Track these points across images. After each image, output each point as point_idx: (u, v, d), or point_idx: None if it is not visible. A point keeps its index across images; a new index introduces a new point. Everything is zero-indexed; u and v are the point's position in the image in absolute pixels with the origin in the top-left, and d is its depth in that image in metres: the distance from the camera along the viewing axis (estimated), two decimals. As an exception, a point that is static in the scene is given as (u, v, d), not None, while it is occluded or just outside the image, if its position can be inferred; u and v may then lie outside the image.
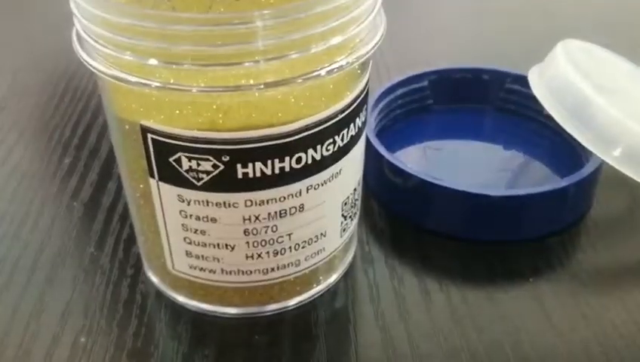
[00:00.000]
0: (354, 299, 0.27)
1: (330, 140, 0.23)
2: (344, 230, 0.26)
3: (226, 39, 0.19)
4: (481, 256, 0.29)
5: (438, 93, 0.36)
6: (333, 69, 0.21)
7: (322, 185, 0.23)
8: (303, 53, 0.20)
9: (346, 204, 0.25)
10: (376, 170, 0.31)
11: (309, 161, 0.22)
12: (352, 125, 0.23)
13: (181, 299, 0.26)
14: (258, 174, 0.22)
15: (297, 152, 0.22)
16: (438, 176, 0.29)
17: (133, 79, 0.20)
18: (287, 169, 0.22)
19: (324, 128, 0.22)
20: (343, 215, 0.25)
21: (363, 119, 0.24)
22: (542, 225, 0.29)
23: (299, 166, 0.22)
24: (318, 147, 0.22)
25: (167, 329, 0.26)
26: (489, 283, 0.28)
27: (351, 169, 0.25)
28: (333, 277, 0.27)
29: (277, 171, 0.22)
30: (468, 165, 0.34)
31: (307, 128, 0.22)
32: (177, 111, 0.21)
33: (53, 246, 0.29)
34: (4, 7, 0.53)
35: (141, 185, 0.23)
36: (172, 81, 0.20)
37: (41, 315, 0.26)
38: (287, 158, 0.22)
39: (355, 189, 0.26)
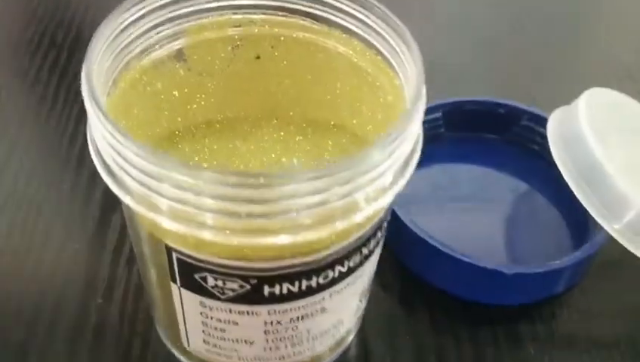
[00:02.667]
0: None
1: (358, 253, 0.22)
2: (358, 309, 0.26)
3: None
4: (485, 318, 0.29)
5: (450, 122, 0.35)
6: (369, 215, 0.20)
7: (345, 288, 0.23)
8: (345, 220, 0.19)
9: (362, 292, 0.25)
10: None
11: (336, 275, 0.22)
12: (378, 233, 0.23)
13: (194, 368, 0.27)
14: (285, 292, 0.22)
15: (325, 271, 0.22)
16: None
17: (168, 224, 0.19)
18: (313, 285, 0.22)
19: (354, 248, 0.22)
20: (359, 300, 0.25)
21: (387, 222, 0.24)
22: (550, 292, 0.30)
23: (325, 281, 0.22)
24: (346, 262, 0.22)
25: (180, 398, 0.26)
26: (492, 347, 0.28)
27: (372, 265, 0.24)
28: (346, 343, 0.28)
29: (304, 288, 0.22)
30: (472, 201, 0.34)
31: (337, 253, 0.21)
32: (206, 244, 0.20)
33: (57, 296, 0.29)
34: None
35: (161, 281, 0.23)
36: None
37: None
38: (314, 277, 0.22)
39: (371, 276, 0.25)
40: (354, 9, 0.24)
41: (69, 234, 0.31)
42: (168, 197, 0.19)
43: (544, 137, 0.34)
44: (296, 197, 0.18)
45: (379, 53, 0.24)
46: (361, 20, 0.24)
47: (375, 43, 0.24)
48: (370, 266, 0.24)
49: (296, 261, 0.21)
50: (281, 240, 0.19)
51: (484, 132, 0.36)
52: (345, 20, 0.25)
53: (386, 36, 0.23)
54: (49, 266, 0.30)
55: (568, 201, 0.30)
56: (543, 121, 0.34)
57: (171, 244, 0.21)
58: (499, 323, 0.29)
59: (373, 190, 0.20)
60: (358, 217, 0.20)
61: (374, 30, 0.24)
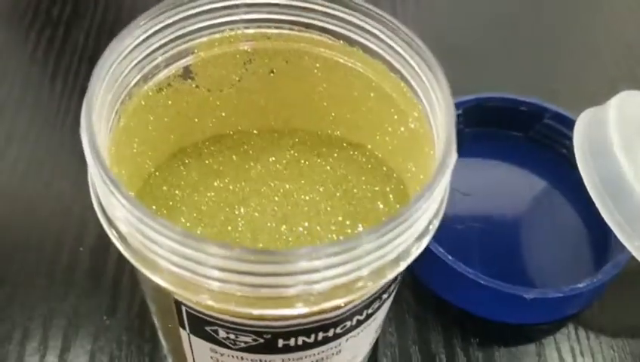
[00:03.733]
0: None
1: (378, 300, 0.21)
2: (373, 339, 0.25)
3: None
4: (500, 336, 0.28)
5: (470, 120, 0.34)
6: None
7: (362, 331, 0.22)
8: (373, 283, 0.18)
9: (379, 326, 0.24)
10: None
11: (354, 324, 0.21)
12: (399, 276, 0.22)
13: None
14: (300, 343, 0.21)
15: (343, 322, 0.20)
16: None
17: (171, 288, 0.18)
18: (330, 335, 0.21)
19: (375, 297, 0.20)
20: (375, 331, 0.24)
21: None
22: (569, 313, 0.29)
23: (343, 330, 0.21)
24: (365, 311, 0.21)
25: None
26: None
27: (390, 302, 0.23)
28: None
29: (320, 339, 0.21)
30: (489, 197, 0.33)
31: (355, 306, 0.20)
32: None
33: (62, 311, 0.28)
34: None
35: (170, 325, 0.22)
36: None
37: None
38: (331, 329, 0.20)
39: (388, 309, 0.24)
40: (377, 29, 0.22)
41: (70, 236, 0.30)
42: (171, 262, 0.17)
43: (567, 137, 0.32)
44: (314, 272, 0.17)
45: (402, 78, 0.22)
46: (384, 42, 0.22)
47: (399, 67, 0.22)
48: (388, 303, 0.23)
49: (313, 318, 0.19)
50: (297, 311, 0.18)
51: (506, 129, 0.34)
52: (367, 40, 0.23)
53: (412, 62, 0.21)
54: (49, 275, 0.29)
55: (590, 207, 0.29)
56: (566, 120, 0.33)
57: (179, 299, 0.19)
58: (515, 342, 0.28)
59: (405, 247, 0.18)
60: (389, 276, 0.18)
61: (399, 54, 0.22)
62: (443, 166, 0.19)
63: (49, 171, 0.32)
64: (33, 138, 0.34)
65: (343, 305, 0.19)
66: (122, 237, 0.18)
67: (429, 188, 0.18)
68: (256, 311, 0.17)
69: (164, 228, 0.16)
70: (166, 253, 0.17)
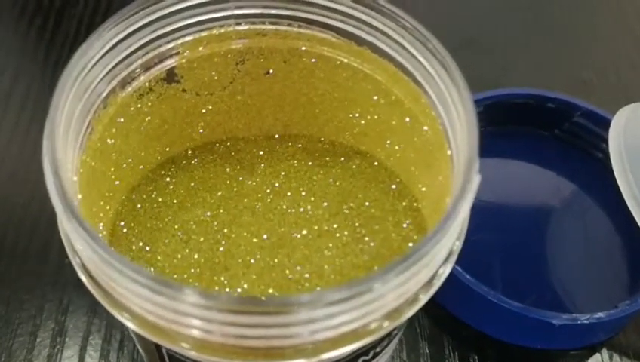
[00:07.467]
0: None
1: (387, 338, 0.19)
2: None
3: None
4: (523, 361, 0.26)
5: (492, 117, 0.31)
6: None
7: (372, 365, 0.20)
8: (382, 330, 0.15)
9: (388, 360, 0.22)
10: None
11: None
12: (411, 310, 0.19)
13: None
14: (300, 386, 0.18)
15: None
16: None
17: (148, 336, 0.15)
18: (335, 376, 0.18)
19: (382, 337, 0.18)
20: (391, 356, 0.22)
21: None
22: (600, 337, 0.26)
23: (350, 370, 0.18)
24: (372, 351, 0.19)
25: None
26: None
27: (397, 341, 0.21)
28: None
29: (320, 384, 0.18)
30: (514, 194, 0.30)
31: (361, 347, 0.17)
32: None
33: (46, 327, 0.26)
34: None
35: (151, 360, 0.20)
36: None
37: None
38: (337, 371, 0.18)
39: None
40: (387, 26, 0.19)
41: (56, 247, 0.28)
42: (145, 310, 0.15)
43: (601, 138, 0.29)
44: (315, 322, 0.14)
45: (416, 82, 0.20)
46: (395, 41, 0.19)
47: (412, 70, 0.19)
48: (397, 338, 0.20)
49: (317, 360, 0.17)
50: (294, 362, 0.15)
51: (530, 128, 0.31)
52: (376, 38, 0.20)
53: (427, 65, 0.19)
54: (33, 288, 0.27)
55: (627, 219, 0.26)
56: (599, 119, 0.30)
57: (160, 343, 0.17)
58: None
59: (425, 281, 0.16)
60: (407, 315, 0.16)
61: (412, 55, 0.19)
62: (464, 191, 0.16)
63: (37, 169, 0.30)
64: (22, 131, 0.32)
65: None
66: (91, 277, 0.16)
67: (448, 218, 0.15)
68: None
69: (136, 274, 0.14)
70: (139, 300, 0.15)
